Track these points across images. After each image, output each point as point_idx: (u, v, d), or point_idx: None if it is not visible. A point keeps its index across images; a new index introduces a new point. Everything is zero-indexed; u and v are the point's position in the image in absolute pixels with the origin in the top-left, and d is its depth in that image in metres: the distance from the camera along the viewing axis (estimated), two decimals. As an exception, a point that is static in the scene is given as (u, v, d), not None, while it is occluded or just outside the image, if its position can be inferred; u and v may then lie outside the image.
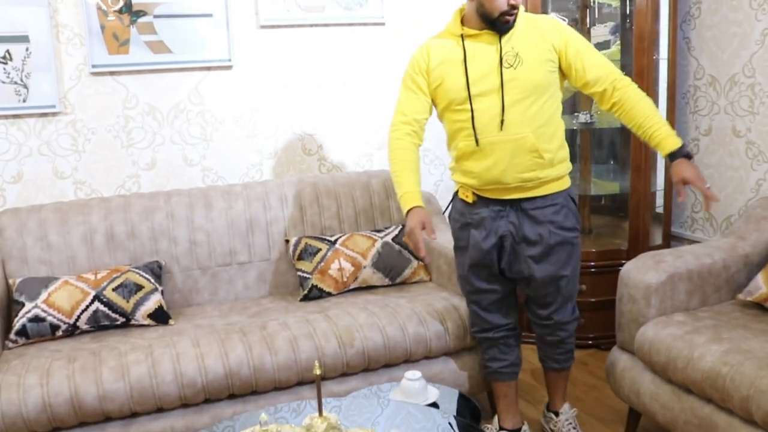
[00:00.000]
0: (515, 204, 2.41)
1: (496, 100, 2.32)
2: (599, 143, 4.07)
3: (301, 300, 2.96)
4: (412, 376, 2.10)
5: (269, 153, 3.48)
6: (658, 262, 2.62)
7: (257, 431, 1.57)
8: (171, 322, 2.78)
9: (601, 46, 3.64)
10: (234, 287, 3.07)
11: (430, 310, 2.73)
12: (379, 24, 3.57)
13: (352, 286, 3.02)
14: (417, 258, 3.14)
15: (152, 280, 2.82)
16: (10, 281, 2.78)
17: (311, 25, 3.47)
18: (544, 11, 3.51)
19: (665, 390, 2.46)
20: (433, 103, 2.49)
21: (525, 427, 2.69)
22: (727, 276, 2.71)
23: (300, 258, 3.03)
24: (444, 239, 3.03)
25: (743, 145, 3.33)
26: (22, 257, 2.85)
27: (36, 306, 2.65)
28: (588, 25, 3.60)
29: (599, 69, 2.36)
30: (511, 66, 2.31)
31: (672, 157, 2.28)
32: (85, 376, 2.32)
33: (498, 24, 2.29)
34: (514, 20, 2.31)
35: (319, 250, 3.03)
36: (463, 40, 2.36)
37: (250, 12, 3.36)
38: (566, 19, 3.60)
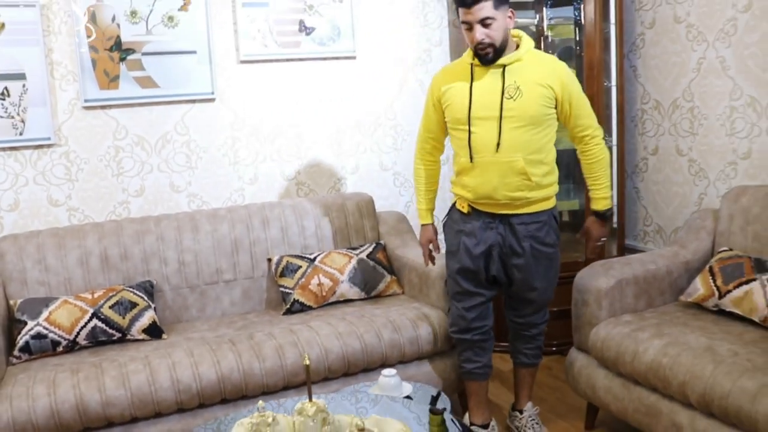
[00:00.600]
0: (504, 218, 2.69)
1: (494, 125, 2.59)
2: (558, 164, 4.35)
3: (284, 313, 3.20)
4: (388, 373, 2.33)
5: (250, 179, 3.72)
6: (608, 269, 2.91)
7: (255, 417, 1.80)
8: (164, 336, 2.99)
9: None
10: (221, 304, 3.29)
11: (403, 319, 2.98)
12: (351, 58, 3.85)
13: (331, 300, 3.26)
14: (391, 274, 3.40)
15: (145, 298, 3.04)
16: (11, 302, 2.98)
17: (287, 60, 3.73)
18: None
19: (616, 383, 2.73)
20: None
21: (493, 423, 2.94)
22: (670, 280, 3.00)
23: (282, 275, 3.27)
24: (413, 254, 3.30)
25: (686, 163, 3.65)
26: (21, 279, 3.05)
27: (38, 324, 2.85)
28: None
29: (583, 120, 2.67)
30: (512, 97, 2.57)
31: (595, 214, 2.81)
32: (89, 385, 2.53)
33: (478, 55, 2.58)
34: (492, 56, 2.55)
35: (300, 267, 3.27)
36: (472, 69, 2.65)
37: (230, 48, 3.62)
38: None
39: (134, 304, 2.99)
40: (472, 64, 2.65)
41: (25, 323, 2.86)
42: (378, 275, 3.34)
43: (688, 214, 3.66)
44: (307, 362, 1.79)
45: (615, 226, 3.97)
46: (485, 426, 2.90)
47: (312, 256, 3.33)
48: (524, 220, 2.69)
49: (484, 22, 2.49)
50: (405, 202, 4.08)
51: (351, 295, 3.28)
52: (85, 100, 3.39)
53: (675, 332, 2.62)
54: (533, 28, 3.87)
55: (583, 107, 2.68)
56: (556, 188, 2.76)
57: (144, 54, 3.46)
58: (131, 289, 3.05)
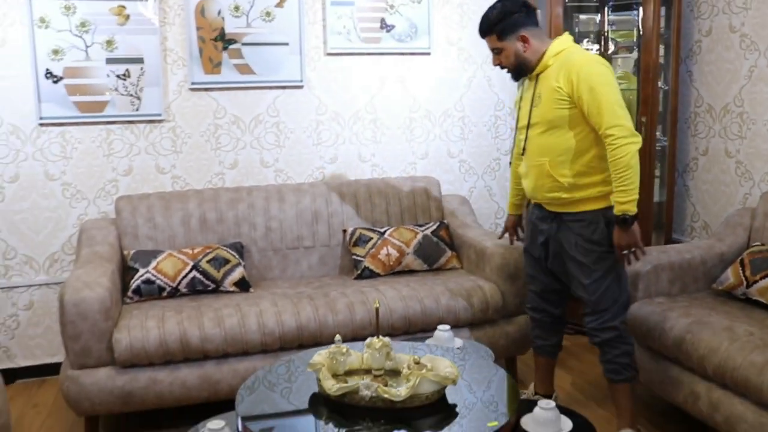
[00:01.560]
0: (557, 214, 2.87)
1: (526, 133, 2.88)
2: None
3: (355, 278, 3.63)
4: (443, 328, 2.72)
5: (330, 158, 4.16)
6: (646, 255, 3.22)
7: (332, 349, 2.23)
8: (251, 290, 3.47)
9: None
10: (300, 267, 3.75)
11: (460, 288, 3.37)
12: (426, 54, 4.23)
13: (396, 269, 3.68)
14: (452, 250, 3.78)
15: (237, 256, 3.52)
16: (125, 252, 3.50)
17: (369, 54, 4.15)
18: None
19: (646, 356, 3.06)
20: None
21: (556, 394, 3.25)
22: (704, 269, 3.30)
23: (355, 244, 3.70)
24: (473, 234, 3.68)
25: (734, 164, 3.91)
26: (134, 234, 3.57)
27: (147, 271, 3.36)
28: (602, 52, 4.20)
29: (595, 118, 2.63)
30: (536, 106, 2.79)
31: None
32: (191, 323, 3.02)
33: None
34: (514, 75, 2.88)
35: (371, 238, 3.70)
36: (524, 83, 2.95)
37: (319, 41, 4.06)
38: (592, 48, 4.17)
39: (227, 261, 3.47)
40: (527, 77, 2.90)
41: (137, 270, 3.37)
42: (440, 250, 3.74)
43: (733, 213, 3.92)
44: (377, 305, 2.20)
45: (664, 220, 4.26)
46: (548, 396, 3.19)
47: (382, 230, 3.75)
48: (572, 218, 2.82)
49: (495, 51, 2.84)
50: (468, 187, 4.45)
51: (415, 266, 3.69)
52: (192, 83, 3.88)
53: (701, 314, 2.93)
54: (595, 29, 4.17)
55: (596, 105, 2.61)
56: (602, 189, 2.74)
57: (244, 44, 3.92)
58: (225, 248, 3.53)
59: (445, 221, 3.91)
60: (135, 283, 3.34)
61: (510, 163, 3.26)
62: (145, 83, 3.81)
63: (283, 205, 3.76)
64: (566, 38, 2.83)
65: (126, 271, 3.43)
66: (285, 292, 3.40)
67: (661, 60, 4.06)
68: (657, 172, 4.22)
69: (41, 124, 3.72)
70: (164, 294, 3.37)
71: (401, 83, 4.24)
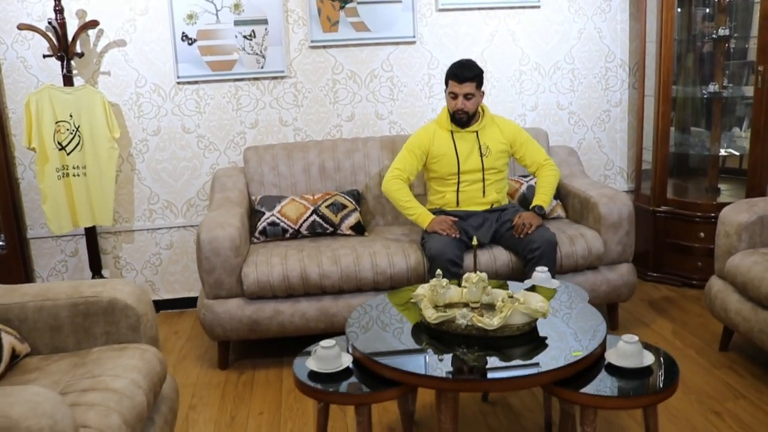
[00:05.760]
0: None
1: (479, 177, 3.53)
2: (732, 110, 4.56)
3: (462, 225, 3.84)
4: (541, 269, 2.89)
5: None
6: (752, 206, 3.24)
7: (434, 282, 2.45)
8: (366, 233, 3.74)
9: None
10: (410, 213, 3.99)
11: (562, 235, 3.50)
12: (535, 7, 4.30)
13: (502, 217, 3.86)
14: (557, 199, 3.90)
15: (353, 202, 3.80)
16: (252, 197, 3.85)
17: (478, 9, 4.26)
18: None
19: (746, 306, 3.10)
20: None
21: None
22: (814, 221, 3.27)
23: (462, 193, 3.92)
24: (577, 183, 3.78)
25: None
26: (260, 181, 3.92)
27: (272, 215, 3.70)
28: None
29: (533, 158, 3.58)
30: (484, 155, 3.45)
31: (536, 208, 3.49)
32: (311, 260, 3.33)
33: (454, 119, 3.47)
34: (465, 120, 3.45)
35: (477, 187, 3.92)
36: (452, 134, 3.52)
37: (431, -2, 4.23)
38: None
39: (344, 206, 3.75)
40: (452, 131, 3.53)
41: (263, 213, 3.72)
42: (545, 200, 3.89)
43: None
44: (475, 242, 2.40)
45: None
46: None
47: (488, 179, 3.92)
48: None
49: (467, 97, 3.38)
50: (578, 139, 4.52)
51: (519, 214, 3.85)
52: (311, 41, 4.15)
53: (805, 264, 2.94)
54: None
55: (532, 148, 3.57)
56: None
57: (359, 3, 4.14)
58: (342, 194, 3.82)
59: (551, 172, 4.01)
60: (261, 225, 3.69)
61: None
62: (269, 43, 4.11)
63: (396, 154, 3.98)
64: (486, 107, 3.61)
65: (253, 214, 3.79)
66: (397, 237, 3.65)
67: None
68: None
69: (178, 83, 4.12)
70: (287, 235, 3.71)
71: (511, 37, 4.33)
